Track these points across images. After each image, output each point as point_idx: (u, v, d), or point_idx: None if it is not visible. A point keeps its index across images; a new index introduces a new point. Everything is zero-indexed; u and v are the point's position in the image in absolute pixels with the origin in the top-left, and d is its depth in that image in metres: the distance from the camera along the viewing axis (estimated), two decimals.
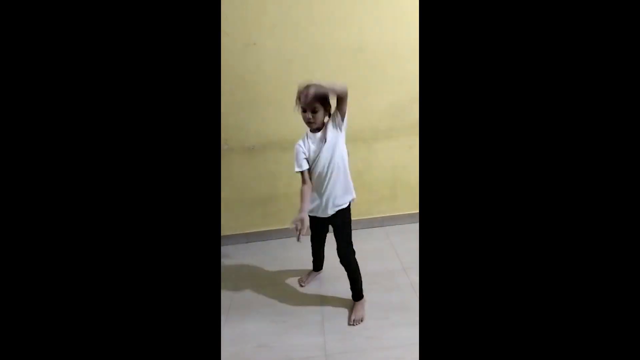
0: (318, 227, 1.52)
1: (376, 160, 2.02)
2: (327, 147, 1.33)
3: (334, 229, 1.49)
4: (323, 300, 1.62)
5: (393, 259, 1.85)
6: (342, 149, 1.36)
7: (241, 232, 2.11)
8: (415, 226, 2.11)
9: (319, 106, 1.30)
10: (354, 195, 1.46)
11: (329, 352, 1.34)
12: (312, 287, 1.71)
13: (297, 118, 1.90)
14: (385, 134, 1.97)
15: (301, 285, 1.71)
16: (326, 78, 1.84)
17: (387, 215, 2.14)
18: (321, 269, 1.77)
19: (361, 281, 1.53)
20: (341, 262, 1.49)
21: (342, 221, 1.45)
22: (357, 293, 1.53)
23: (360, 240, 2.02)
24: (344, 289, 1.66)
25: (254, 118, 1.89)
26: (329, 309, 1.56)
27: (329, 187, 1.38)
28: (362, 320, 1.47)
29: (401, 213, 2.13)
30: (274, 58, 1.80)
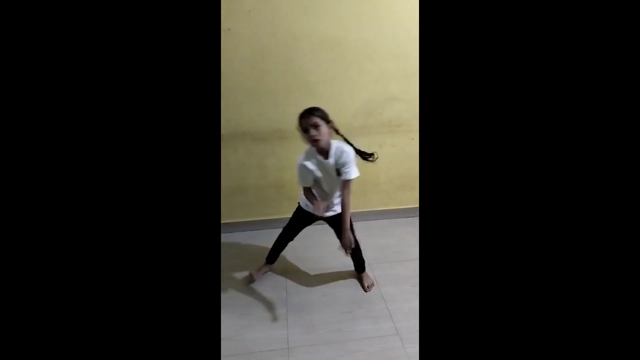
0: (304, 221, 1.57)
1: None
2: (332, 170, 1.37)
3: (334, 224, 1.54)
4: (288, 293, 1.62)
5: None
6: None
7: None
8: (382, 222, 2.16)
9: (319, 120, 1.29)
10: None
11: (292, 346, 1.35)
12: (278, 281, 1.71)
13: (271, 109, 1.87)
14: (359, 131, 1.98)
15: (252, 281, 1.68)
16: (301, 70, 1.82)
17: (356, 211, 2.17)
18: (274, 262, 1.75)
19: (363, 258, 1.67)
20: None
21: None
22: (362, 266, 1.68)
23: (326, 235, 2.04)
24: (309, 282, 1.68)
25: (224, 106, 1.83)
26: (293, 302, 1.57)
27: (330, 197, 1.47)
28: (373, 285, 1.66)
29: (369, 209, 2.17)
30: (249, 45, 1.74)
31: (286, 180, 2.03)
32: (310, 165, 1.38)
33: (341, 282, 1.69)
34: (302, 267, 1.79)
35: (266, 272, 1.74)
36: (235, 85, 1.79)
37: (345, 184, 1.39)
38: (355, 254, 1.61)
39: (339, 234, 1.48)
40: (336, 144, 1.37)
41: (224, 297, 1.60)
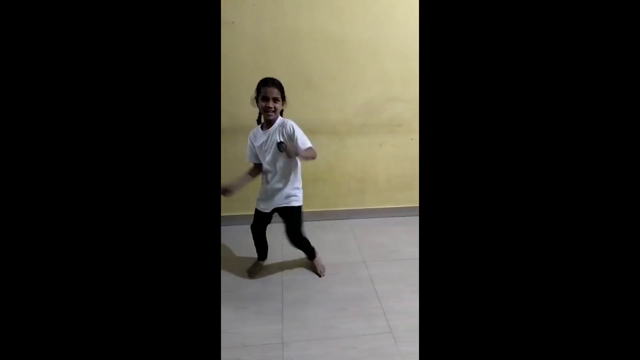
0: (261, 219, 1.63)
1: (347, 155, 2.04)
2: (273, 145, 1.41)
3: (285, 216, 1.58)
4: (284, 288, 1.63)
5: (355, 252, 1.90)
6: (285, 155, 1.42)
7: None
8: (379, 221, 2.17)
9: (279, 95, 1.36)
10: (299, 203, 1.55)
11: (286, 340, 1.36)
12: (274, 275, 1.72)
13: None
14: (359, 130, 1.99)
15: (252, 277, 1.71)
16: (304, 66, 1.81)
17: (353, 208, 2.19)
18: (265, 258, 1.78)
19: (311, 247, 1.71)
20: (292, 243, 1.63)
21: (289, 216, 1.56)
22: (311, 254, 1.73)
23: (324, 232, 2.06)
24: (304, 278, 1.69)
25: (225, 99, 1.82)
26: (289, 297, 1.58)
27: (273, 175, 1.49)
28: (324, 269, 1.71)
29: (367, 207, 2.18)
30: (252, 40, 1.74)
31: None
32: (252, 137, 1.48)
33: (336, 277, 1.70)
34: (297, 263, 1.81)
35: (260, 268, 1.75)
36: (237, 78, 1.79)
37: (307, 152, 1.41)
38: (302, 244, 1.66)
39: (288, 228, 1.58)
40: (281, 119, 1.43)
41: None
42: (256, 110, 1.89)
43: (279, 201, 1.53)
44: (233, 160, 1.96)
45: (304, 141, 1.41)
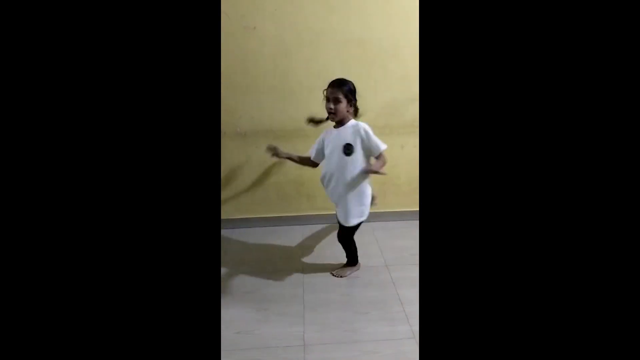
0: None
1: None
2: (341, 143, 1.35)
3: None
4: (305, 291, 1.63)
5: (377, 256, 1.88)
6: (354, 163, 1.36)
7: (227, 217, 2.10)
8: (401, 224, 2.14)
9: (341, 96, 1.31)
10: (362, 219, 1.51)
11: (308, 343, 1.36)
12: (295, 277, 1.73)
13: (293, 107, 1.89)
14: (380, 131, 1.95)
15: (341, 276, 1.68)
16: (325, 69, 1.82)
17: (375, 211, 2.16)
18: (355, 263, 1.70)
19: (356, 255, 1.65)
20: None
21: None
22: (351, 260, 1.66)
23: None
24: (325, 281, 1.68)
25: (247, 103, 1.86)
26: (310, 300, 1.58)
27: (335, 181, 1.44)
28: (340, 277, 1.62)
29: (388, 210, 2.15)
30: (274, 44, 1.76)
31: (306, 178, 2.04)
32: (324, 135, 1.42)
33: (357, 281, 1.68)
34: (319, 266, 1.80)
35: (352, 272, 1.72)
36: (259, 82, 1.82)
37: (379, 157, 1.37)
38: (349, 247, 1.61)
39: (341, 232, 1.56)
40: (354, 121, 1.38)
41: (241, 291, 1.63)
42: (279, 113, 1.91)
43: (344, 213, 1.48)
44: (255, 164, 1.99)
45: (377, 146, 1.36)
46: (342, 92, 1.31)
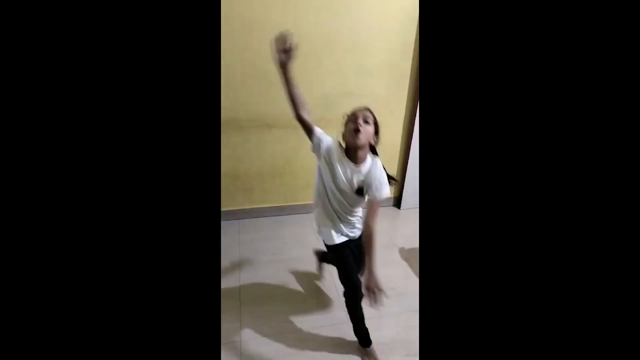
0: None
1: (305, 149, 2.04)
2: (351, 180, 1.17)
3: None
4: (240, 290, 1.60)
5: (315, 246, 1.92)
6: (352, 202, 1.22)
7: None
8: None
9: (371, 122, 1.14)
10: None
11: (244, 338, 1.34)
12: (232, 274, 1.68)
13: (229, 95, 1.81)
14: (317, 124, 1.99)
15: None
16: (259, 57, 1.77)
17: (312, 202, 2.20)
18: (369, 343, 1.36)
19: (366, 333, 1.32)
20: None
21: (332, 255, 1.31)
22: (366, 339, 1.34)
23: (283, 226, 2.05)
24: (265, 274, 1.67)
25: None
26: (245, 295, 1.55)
27: (336, 217, 1.27)
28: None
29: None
30: None
31: (242, 172, 1.99)
32: (324, 140, 1.19)
33: (297, 273, 1.70)
34: (257, 261, 1.79)
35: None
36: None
37: (373, 205, 1.14)
38: (358, 323, 1.31)
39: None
40: (373, 158, 1.19)
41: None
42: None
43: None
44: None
45: (381, 189, 1.16)
46: (374, 117, 1.16)
